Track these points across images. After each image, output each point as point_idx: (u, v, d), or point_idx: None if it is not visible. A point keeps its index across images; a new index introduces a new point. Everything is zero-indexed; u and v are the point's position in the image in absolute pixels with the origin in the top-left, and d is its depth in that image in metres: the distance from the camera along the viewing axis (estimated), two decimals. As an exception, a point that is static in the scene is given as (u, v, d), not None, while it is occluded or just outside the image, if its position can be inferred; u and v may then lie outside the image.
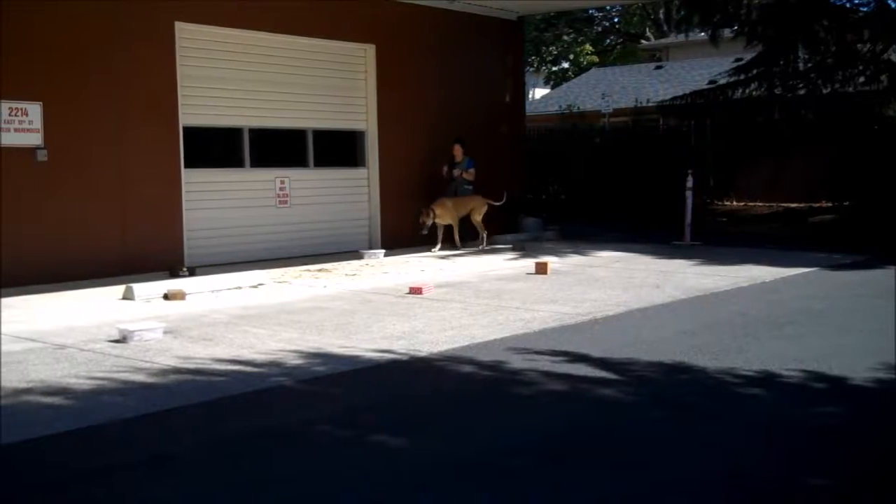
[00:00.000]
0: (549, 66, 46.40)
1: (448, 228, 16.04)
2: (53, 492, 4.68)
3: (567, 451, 5.26)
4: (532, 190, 21.10)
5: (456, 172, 16.32)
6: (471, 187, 16.37)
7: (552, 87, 42.99)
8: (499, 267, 13.74)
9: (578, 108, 29.82)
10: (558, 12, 37.36)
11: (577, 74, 41.52)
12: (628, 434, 5.58)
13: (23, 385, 6.70)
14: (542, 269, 12.73)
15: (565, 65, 46.32)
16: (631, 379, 6.87)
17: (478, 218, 16.28)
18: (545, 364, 7.26)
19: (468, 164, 16.34)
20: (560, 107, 30.31)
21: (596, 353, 7.61)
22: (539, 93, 42.66)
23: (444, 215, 15.77)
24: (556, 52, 45.42)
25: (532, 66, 43.44)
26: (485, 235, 16.40)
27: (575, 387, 6.62)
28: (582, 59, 44.59)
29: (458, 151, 16.29)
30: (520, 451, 5.22)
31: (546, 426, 5.75)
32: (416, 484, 4.74)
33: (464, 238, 16.30)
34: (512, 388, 6.67)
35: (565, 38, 44.26)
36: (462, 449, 5.30)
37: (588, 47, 44.85)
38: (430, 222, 15.48)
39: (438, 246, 15.82)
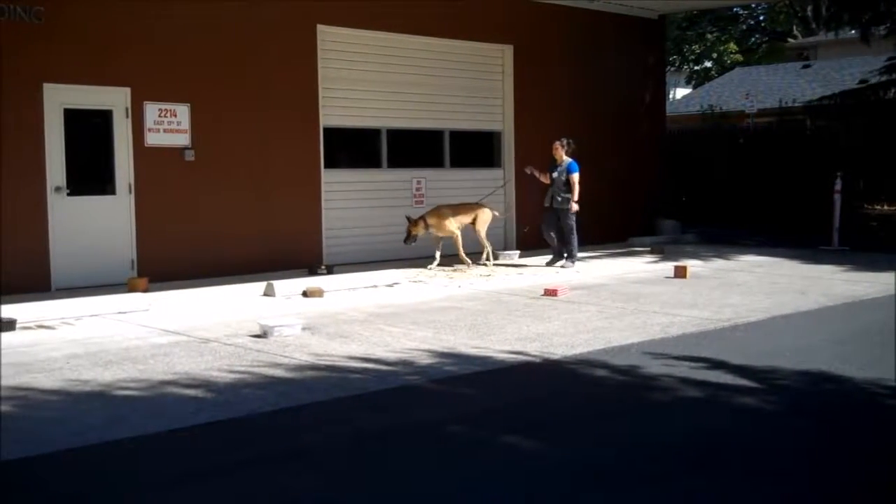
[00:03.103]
0: (691, 65, 45.47)
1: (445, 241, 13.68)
2: (194, 481, 4.81)
3: (702, 459, 5.12)
4: (672, 191, 20.70)
5: (556, 176, 13.77)
6: (569, 195, 13.58)
7: (694, 87, 42.12)
8: (636, 270, 13.52)
9: (721, 108, 29.13)
10: (701, 10, 36.55)
11: (720, 74, 40.55)
12: (767, 444, 5.39)
13: (168, 377, 6.94)
14: (681, 272, 12.46)
15: (708, 64, 45.30)
16: (772, 388, 6.64)
17: (482, 230, 13.79)
18: (682, 370, 7.09)
19: (571, 167, 13.68)
20: (702, 106, 29.68)
21: (736, 360, 7.39)
22: (680, 92, 41.87)
23: (440, 226, 13.40)
24: (698, 51, 44.47)
25: (673, 65, 42.64)
26: (490, 251, 13.98)
27: (713, 394, 6.44)
28: (726, 58, 43.52)
29: (557, 152, 13.79)
30: (654, 458, 5.11)
31: (681, 433, 5.60)
32: (547, 487, 4.69)
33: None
34: (647, 394, 6.54)
35: (708, 36, 43.29)
36: (594, 454, 5.21)
37: (732, 46, 43.74)
38: (419, 233, 13.32)
39: (437, 262, 13.45)
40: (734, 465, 5.02)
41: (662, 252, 15.52)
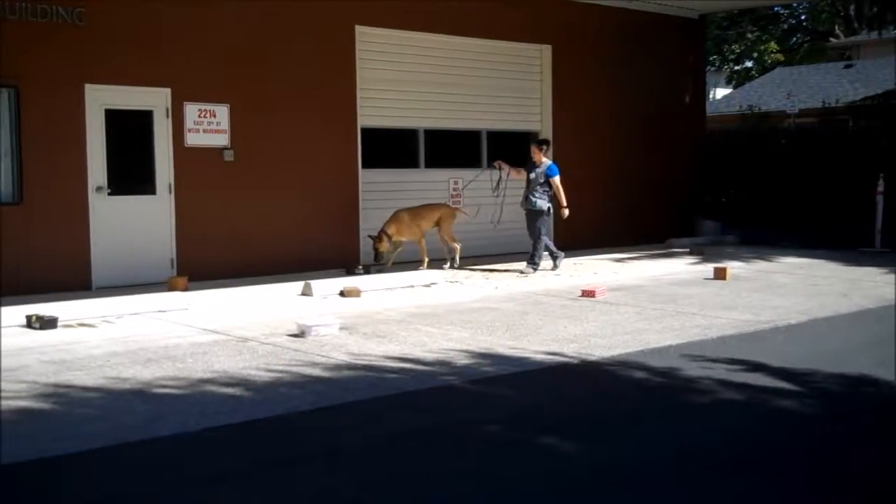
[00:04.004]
0: (731, 65, 45.07)
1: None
2: (232, 480, 4.84)
3: (740, 462, 5.07)
4: (711, 192, 20.52)
5: (532, 176, 13.37)
6: (544, 197, 13.28)
7: (734, 87, 41.73)
8: (675, 271, 13.42)
9: (760, 108, 28.81)
10: (742, 10, 36.22)
11: (760, 74, 40.17)
12: (806, 448, 5.33)
13: (207, 375, 6.99)
14: (721, 274, 12.35)
15: (748, 64, 44.89)
16: (811, 391, 6.57)
17: (448, 231, 13.53)
18: (721, 372, 7.03)
19: (551, 170, 13.35)
20: (741, 107, 29.40)
21: (775, 362, 7.32)
22: (720, 92, 41.51)
23: (401, 232, 13.14)
24: (738, 51, 44.08)
25: (713, 65, 42.28)
26: (456, 251, 13.61)
27: (751, 397, 6.38)
28: (766, 58, 43.10)
29: (536, 154, 13.45)
30: (691, 461, 5.07)
31: (719, 436, 5.56)
32: (584, 489, 4.66)
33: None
34: (685, 396, 6.49)
35: (749, 36, 42.90)
36: (631, 455, 5.18)
37: (773, 45, 43.31)
38: (385, 247, 12.97)
39: (426, 262, 13.25)
40: (770, 469, 4.97)
41: (702, 253, 15.39)
